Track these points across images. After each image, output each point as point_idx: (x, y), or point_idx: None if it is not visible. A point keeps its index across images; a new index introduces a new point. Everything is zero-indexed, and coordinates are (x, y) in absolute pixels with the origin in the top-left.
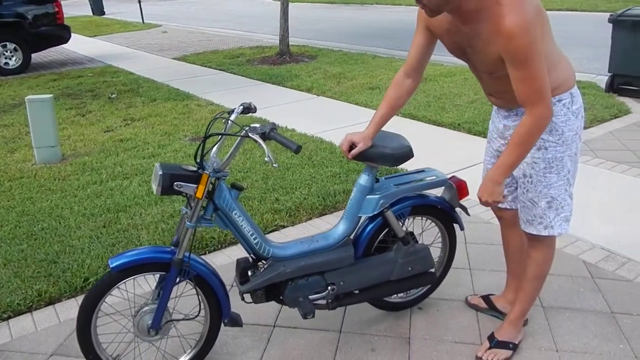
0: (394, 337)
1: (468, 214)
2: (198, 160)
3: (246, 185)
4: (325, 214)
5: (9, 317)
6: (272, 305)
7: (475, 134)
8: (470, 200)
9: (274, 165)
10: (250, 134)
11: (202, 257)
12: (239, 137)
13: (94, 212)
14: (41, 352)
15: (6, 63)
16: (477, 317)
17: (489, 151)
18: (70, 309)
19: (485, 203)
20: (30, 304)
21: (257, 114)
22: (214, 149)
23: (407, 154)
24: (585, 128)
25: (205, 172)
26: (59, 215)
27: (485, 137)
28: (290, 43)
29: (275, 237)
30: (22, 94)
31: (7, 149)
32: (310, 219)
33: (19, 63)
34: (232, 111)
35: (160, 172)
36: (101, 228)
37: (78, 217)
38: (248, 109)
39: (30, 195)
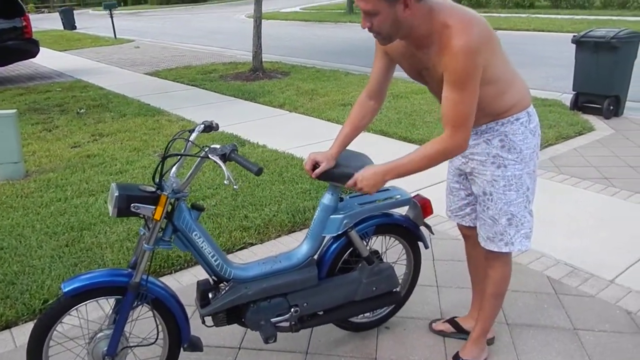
0: (361, 357)
1: (432, 233)
2: (156, 181)
3: (214, 202)
4: (295, 231)
5: None
6: (237, 326)
7: None
8: (438, 217)
9: (235, 187)
10: (210, 155)
11: (169, 276)
12: (199, 158)
13: (56, 230)
14: None
15: None
16: (443, 334)
17: (450, 169)
18: (27, 333)
19: (361, 191)
20: None
21: (229, 130)
22: (173, 169)
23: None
24: (550, 144)
25: (164, 193)
26: (19, 234)
27: None
28: (263, 59)
29: (244, 255)
30: None
31: None
32: (280, 236)
33: None
34: (193, 130)
35: (117, 193)
36: (63, 247)
37: (40, 235)
38: (209, 127)
39: None
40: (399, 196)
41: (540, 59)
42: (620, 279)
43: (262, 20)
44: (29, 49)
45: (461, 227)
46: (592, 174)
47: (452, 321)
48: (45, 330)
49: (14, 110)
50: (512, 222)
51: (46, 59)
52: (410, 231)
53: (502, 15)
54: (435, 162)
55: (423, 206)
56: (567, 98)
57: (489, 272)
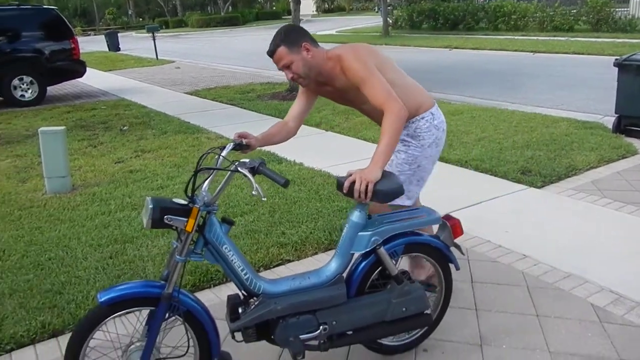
0: None
1: (462, 254)
2: (189, 194)
3: (252, 219)
4: (331, 249)
5: (12, 350)
6: (274, 346)
7: (482, 171)
8: (476, 239)
9: (263, 199)
10: (239, 169)
11: (207, 290)
12: (229, 172)
13: (101, 242)
14: None
15: (22, 95)
16: None
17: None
18: None
19: (360, 187)
20: (34, 335)
21: (266, 148)
22: (205, 183)
23: (397, 191)
24: (592, 167)
25: (196, 205)
26: (66, 245)
27: (493, 174)
28: None
29: (281, 271)
30: (36, 125)
31: (19, 178)
32: (316, 253)
33: (35, 95)
34: (224, 147)
35: (151, 206)
36: (107, 259)
37: (85, 247)
38: (240, 145)
39: (39, 225)
40: (427, 215)
41: (581, 81)
42: None
43: None
44: (77, 69)
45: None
46: (636, 198)
47: None
48: (81, 340)
49: (63, 127)
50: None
51: (92, 79)
52: (440, 251)
53: (540, 38)
54: (399, 130)
55: (453, 226)
56: (608, 121)
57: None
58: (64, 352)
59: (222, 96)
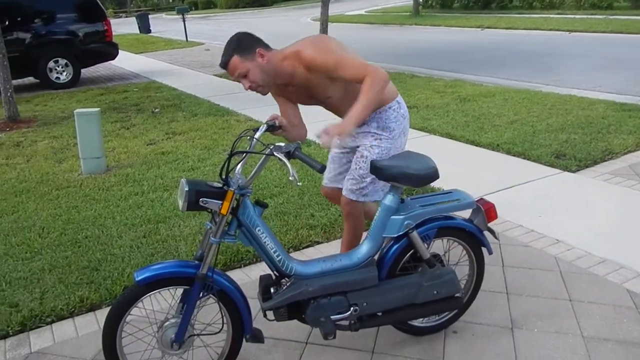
0: None
1: (497, 238)
2: (223, 177)
3: (282, 201)
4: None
5: (52, 322)
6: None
7: (514, 155)
8: (508, 223)
9: (298, 184)
10: (274, 153)
11: (238, 270)
12: (264, 155)
13: (134, 222)
14: (81, 357)
15: (57, 78)
16: (514, 343)
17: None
18: None
19: (330, 140)
20: (73, 309)
21: None
22: (239, 166)
23: (432, 175)
24: (629, 151)
25: (230, 188)
26: (101, 224)
27: (526, 158)
28: None
29: (310, 252)
30: (71, 107)
31: (56, 159)
32: None
33: (69, 78)
34: (258, 129)
35: (187, 188)
36: (141, 238)
37: (120, 226)
38: (273, 127)
39: (76, 204)
40: (462, 199)
41: (619, 62)
42: None
43: (328, 22)
44: (110, 51)
45: (332, 192)
46: None
47: None
48: (119, 316)
49: (97, 109)
50: (374, 182)
51: (124, 61)
52: (473, 235)
53: (577, 16)
54: (380, 91)
55: (487, 211)
56: None
57: (346, 224)
58: (101, 326)
59: None
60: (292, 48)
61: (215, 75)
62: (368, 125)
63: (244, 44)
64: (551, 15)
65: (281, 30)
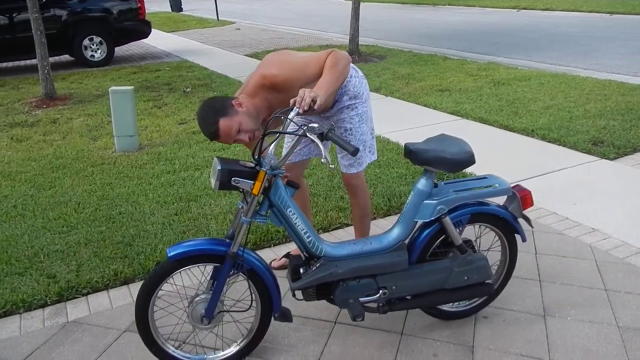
0: (457, 344)
1: (531, 226)
2: (256, 157)
3: (311, 182)
4: (390, 215)
5: (88, 293)
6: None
7: (550, 141)
8: (542, 210)
9: (330, 166)
10: (308, 134)
11: (267, 249)
12: (297, 136)
13: (167, 200)
14: (115, 328)
15: (92, 56)
16: (546, 331)
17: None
18: None
19: (303, 101)
20: (107, 282)
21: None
22: (272, 146)
23: (468, 160)
24: None
25: (263, 169)
26: (135, 201)
27: (561, 144)
28: (359, 43)
29: (339, 234)
30: (105, 85)
31: (91, 136)
32: (375, 219)
33: (104, 56)
34: (291, 109)
35: (219, 167)
36: (173, 215)
37: (152, 203)
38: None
39: (110, 181)
40: (497, 185)
41: None
42: None
43: (360, 2)
44: (143, 29)
45: (292, 167)
46: None
47: (287, 256)
48: (151, 290)
49: (131, 87)
50: (365, 148)
51: (156, 40)
52: (507, 222)
53: None
54: (345, 67)
55: (523, 198)
56: None
57: (355, 200)
58: (134, 299)
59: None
60: (253, 80)
61: (246, 55)
62: (339, 101)
63: (218, 106)
64: None
65: (311, 10)
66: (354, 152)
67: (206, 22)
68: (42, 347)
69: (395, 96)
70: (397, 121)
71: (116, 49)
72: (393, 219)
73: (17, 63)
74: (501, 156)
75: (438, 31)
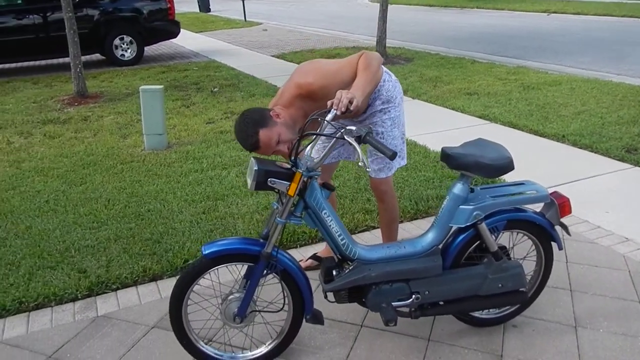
0: (485, 352)
1: (569, 234)
2: (292, 159)
3: (338, 184)
4: (417, 219)
5: (117, 289)
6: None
7: (581, 147)
8: (573, 217)
9: (367, 170)
10: (345, 136)
11: (294, 250)
12: (334, 138)
13: (194, 198)
14: (144, 323)
15: (122, 55)
16: (577, 342)
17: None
18: (171, 286)
19: (341, 102)
20: (136, 278)
21: None
22: (308, 148)
23: (507, 166)
24: None
25: (299, 170)
26: (163, 199)
27: (593, 151)
28: (387, 45)
29: (366, 237)
30: (135, 84)
31: (121, 134)
32: (402, 222)
33: (133, 55)
34: (329, 111)
35: (256, 168)
36: (201, 214)
37: (180, 202)
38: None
39: (139, 179)
40: (535, 192)
41: None
42: None
43: (388, 3)
44: (172, 29)
45: (322, 169)
46: None
47: (314, 257)
48: (186, 287)
49: (161, 86)
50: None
51: (184, 40)
52: (544, 230)
53: None
54: (377, 68)
55: (561, 205)
56: None
57: (383, 205)
58: (163, 296)
59: (307, 60)
60: (289, 90)
61: (273, 56)
62: (372, 105)
63: (257, 117)
64: (625, 0)
65: (338, 11)
66: (392, 156)
67: (234, 22)
68: (73, 340)
69: (423, 99)
70: (424, 124)
71: (145, 48)
72: (420, 222)
73: (50, 61)
74: (531, 162)
75: (466, 34)
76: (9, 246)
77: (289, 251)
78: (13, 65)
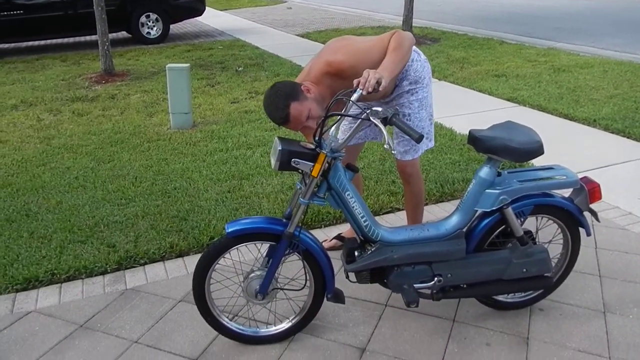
0: (511, 335)
1: (598, 220)
2: (316, 139)
3: (362, 165)
4: (443, 202)
5: (145, 264)
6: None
7: (613, 132)
8: (603, 204)
9: (393, 152)
10: (371, 118)
11: (318, 230)
12: (359, 119)
13: (220, 177)
14: (171, 297)
15: (148, 33)
16: (606, 328)
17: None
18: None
19: (368, 82)
20: (163, 254)
21: None
22: (333, 129)
23: (536, 150)
24: None
25: (323, 151)
26: (189, 177)
27: (625, 135)
28: (413, 24)
29: (390, 219)
30: (161, 62)
31: (147, 112)
32: (427, 204)
33: (159, 33)
34: (354, 91)
35: (280, 148)
36: (226, 193)
37: (206, 180)
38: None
39: (165, 157)
40: (564, 177)
41: None
42: None
43: None
44: (197, 7)
45: (347, 150)
46: None
47: (339, 237)
48: (209, 264)
49: (187, 65)
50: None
51: (209, 18)
52: (572, 215)
53: None
54: (409, 48)
55: (591, 190)
56: None
57: (409, 188)
58: (189, 271)
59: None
60: (317, 67)
61: (297, 35)
62: (399, 86)
63: (289, 90)
64: None
65: None
66: (418, 139)
67: (258, 0)
68: (103, 311)
69: (449, 80)
70: (450, 106)
71: (171, 26)
72: (446, 205)
73: (78, 39)
74: (561, 146)
75: (495, 14)
76: (40, 220)
77: (314, 231)
78: (42, 42)
